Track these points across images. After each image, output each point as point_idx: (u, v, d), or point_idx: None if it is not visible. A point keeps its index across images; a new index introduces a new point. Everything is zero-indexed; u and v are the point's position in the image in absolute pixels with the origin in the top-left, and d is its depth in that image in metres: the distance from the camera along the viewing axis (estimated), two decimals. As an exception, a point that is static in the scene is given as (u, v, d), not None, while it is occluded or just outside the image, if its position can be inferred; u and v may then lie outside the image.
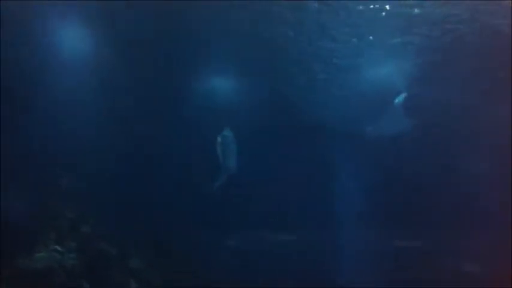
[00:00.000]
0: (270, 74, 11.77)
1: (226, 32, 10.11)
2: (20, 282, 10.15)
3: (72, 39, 10.56)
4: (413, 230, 13.20)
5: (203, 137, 11.56)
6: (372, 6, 9.69)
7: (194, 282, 12.04)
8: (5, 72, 10.76)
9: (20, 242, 10.62)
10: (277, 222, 13.42)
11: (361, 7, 9.67)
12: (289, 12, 9.60)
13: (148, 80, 11.59)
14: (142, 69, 11.38)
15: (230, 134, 11.29)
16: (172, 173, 12.86)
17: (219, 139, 11.31)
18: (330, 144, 13.24)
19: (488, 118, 12.18)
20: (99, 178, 12.03)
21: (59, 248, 10.99)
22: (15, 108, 11.37)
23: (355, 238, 13.02)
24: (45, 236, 11.08)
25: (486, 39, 10.51)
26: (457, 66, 11.56)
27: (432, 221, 12.92)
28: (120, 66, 11.13)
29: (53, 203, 11.50)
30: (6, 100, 11.26)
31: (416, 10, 9.83)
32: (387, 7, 9.78)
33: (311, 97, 12.52)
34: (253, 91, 12.11)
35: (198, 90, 12.22)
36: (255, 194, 13.17)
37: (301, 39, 10.56)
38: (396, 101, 12.19)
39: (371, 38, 10.63)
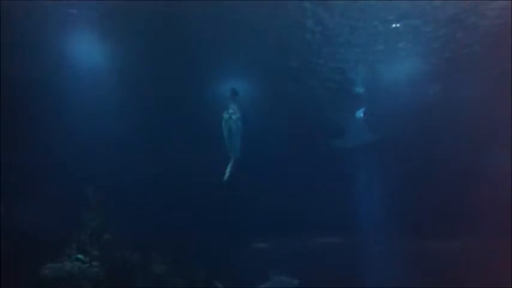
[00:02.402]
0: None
1: (236, 29, 9.80)
2: (44, 292, 10.27)
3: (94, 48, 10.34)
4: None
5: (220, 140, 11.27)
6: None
7: (218, 286, 11.94)
8: (27, 84, 10.89)
9: (43, 252, 10.76)
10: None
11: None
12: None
13: (167, 85, 11.41)
14: (161, 73, 11.11)
15: (236, 111, 10.53)
16: (194, 178, 12.70)
17: (225, 116, 10.52)
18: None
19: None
20: (120, 185, 11.98)
21: (81, 256, 11.05)
22: (38, 119, 11.52)
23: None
24: (68, 245, 11.18)
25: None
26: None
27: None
28: (140, 73, 10.92)
29: (75, 212, 11.56)
30: (29, 113, 11.46)
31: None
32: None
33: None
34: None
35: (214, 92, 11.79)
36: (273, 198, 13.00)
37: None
38: (357, 115, 12.34)
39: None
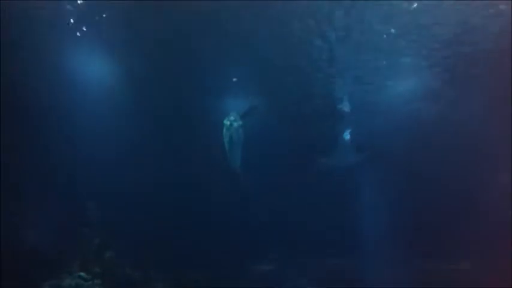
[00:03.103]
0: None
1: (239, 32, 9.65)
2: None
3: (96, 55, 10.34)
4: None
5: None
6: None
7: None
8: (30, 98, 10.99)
9: (45, 269, 10.63)
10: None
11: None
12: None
13: (170, 97, 11.43)
14: (167, 85, 11.19)
15: (238, 119, 10.19)
16: (197, 197, 12.76)
17: (226, 123, 10.19)
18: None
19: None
20: (123, 204, 11.97)
21: (84, 274, 10.93)
22: (42, 136, 11.61)
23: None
24: (70, 262, 11.06)
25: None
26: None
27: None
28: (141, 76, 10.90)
29: (77, 229, 11.50)
30: (35, 128, 11.53)
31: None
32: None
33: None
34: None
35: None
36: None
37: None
38: (344, 136, 12.62)
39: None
